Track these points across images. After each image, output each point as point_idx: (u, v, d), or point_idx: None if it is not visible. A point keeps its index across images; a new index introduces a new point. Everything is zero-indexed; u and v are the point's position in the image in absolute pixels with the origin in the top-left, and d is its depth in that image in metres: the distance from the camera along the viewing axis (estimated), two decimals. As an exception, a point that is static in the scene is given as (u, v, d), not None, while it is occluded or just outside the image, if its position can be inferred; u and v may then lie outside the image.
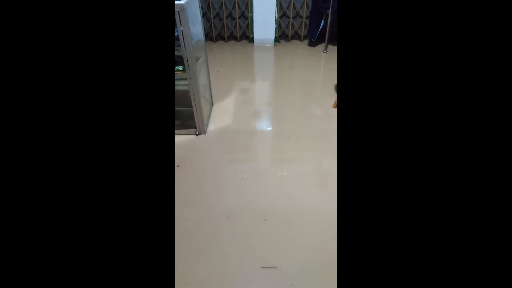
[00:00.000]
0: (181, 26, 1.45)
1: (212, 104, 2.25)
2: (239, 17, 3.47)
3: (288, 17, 3.48)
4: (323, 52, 3.32)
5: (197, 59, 1.77)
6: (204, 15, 3.41)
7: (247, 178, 1.59)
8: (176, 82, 1.96)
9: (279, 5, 3.37)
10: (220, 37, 3.67)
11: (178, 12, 1.40)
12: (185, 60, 1.59)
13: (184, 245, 1.23)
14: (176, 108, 2.07)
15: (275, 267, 1.14)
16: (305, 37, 3.64)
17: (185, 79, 1.68)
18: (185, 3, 1.39)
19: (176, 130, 1.91)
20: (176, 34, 1.53)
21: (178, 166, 1.66)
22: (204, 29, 3.32)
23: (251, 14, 3.41)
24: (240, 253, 1.20)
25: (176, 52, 1.71)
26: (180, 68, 1.70)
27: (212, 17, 3.46)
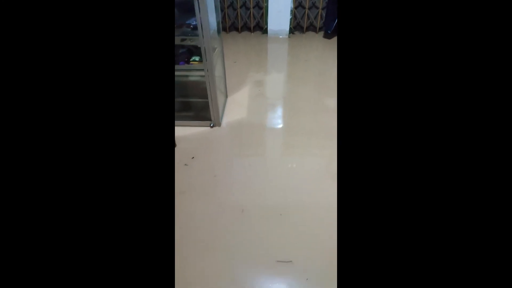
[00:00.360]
0: (199, 14, 1.42)
1: (226, 96, 2.23)
2: (253, 7, 3.41)
3: (304, 8, 3.39)
4: (339, 44, 3.24)
5: (214, 49, 1.74)
6: (218, 4, 3.35)
7: (261, 172, 1.58)
8: (192, 73, 1.95)
9: (295, -5, 3.29)
10: (234, 28, 3.62)
11: (198, 0, 1.37)
12: (202, 50, 1.56)
13: (198, 238, 1.23)
14: (190, 99, 2.06)
15: (291, 261, 1.14)
16: (320, 29, 3.55)
17: (201, 70, 1.66)
18: (205, -9, 1.36)
19: (190, 122, 1.90)
20: (194, 23, 1.50)
21: (193, 158, 1.66)
22: (218, 19, 3.27)
23: (266, 4, 3.34)
24: (255, 246, 1.20)
25: (190, 42, 1.69)
26: (197, 58, 1.68)
27: (226, 7, 3.40)
